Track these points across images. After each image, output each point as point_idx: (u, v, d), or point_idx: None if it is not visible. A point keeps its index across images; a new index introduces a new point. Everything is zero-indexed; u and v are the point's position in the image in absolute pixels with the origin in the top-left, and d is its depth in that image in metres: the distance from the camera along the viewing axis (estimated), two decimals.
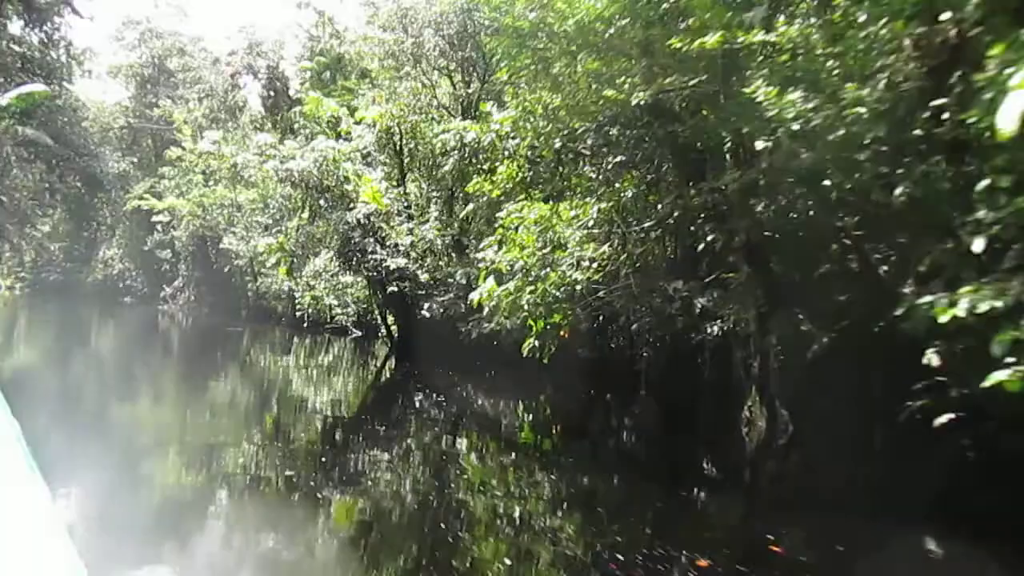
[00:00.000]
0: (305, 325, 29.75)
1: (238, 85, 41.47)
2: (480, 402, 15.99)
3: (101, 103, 45.91)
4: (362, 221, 17.17)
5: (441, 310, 18.55)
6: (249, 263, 36.58)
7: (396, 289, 18.79)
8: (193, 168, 38.43)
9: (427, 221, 18.69)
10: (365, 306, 27.87)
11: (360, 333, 27.18)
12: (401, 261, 17.14)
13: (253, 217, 36.30)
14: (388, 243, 17.67)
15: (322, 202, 17.29)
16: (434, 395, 16.21)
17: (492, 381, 17.30)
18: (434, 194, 20.08)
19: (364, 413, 14.50)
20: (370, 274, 18.53)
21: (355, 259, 18.08)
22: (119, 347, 28.17)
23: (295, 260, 17.74)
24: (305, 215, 17.79)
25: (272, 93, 34.02)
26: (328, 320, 28.15)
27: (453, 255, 18.73)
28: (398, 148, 20.15)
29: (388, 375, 20.18)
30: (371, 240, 17.44)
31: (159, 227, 41.00)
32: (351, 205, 17.33)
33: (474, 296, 12.42)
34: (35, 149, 30.79)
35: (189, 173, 39.79)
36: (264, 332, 32.50)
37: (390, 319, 21.65)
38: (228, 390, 17.27)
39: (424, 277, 17.95)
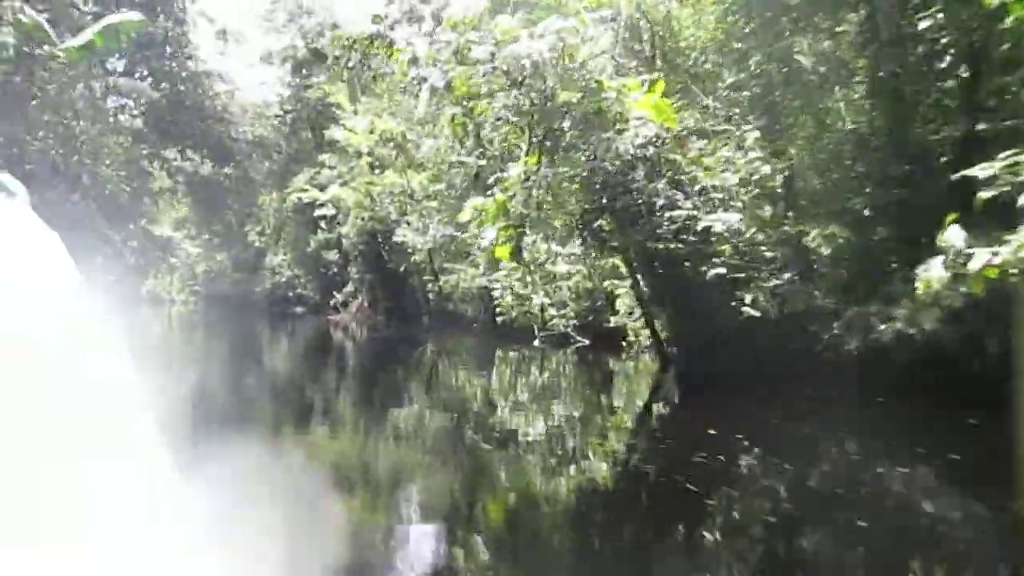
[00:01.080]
0: (506, 332, 22.68)
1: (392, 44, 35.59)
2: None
3: (256, 105, 41.66)
4: (638, 154, 9.52)
5: (777, 303, 10.50)
6: (428, 258, 30.22)
7: (683, 268, 11.01)
8: (358, 150, 32.74)
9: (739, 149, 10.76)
10: (589, 304, 20.35)
11: (586, 342, 19.63)
12: (731, 217, 9.33)
13: (429, 203, 29.93)
14: (685, 188, 9.96)
15: (565, 126, 9.71)
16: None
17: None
18: (734, 112, 12.12)
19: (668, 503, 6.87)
20: (642, 246, 10.88)
21: (621, 222, 10.50)
22: (290, 367, 22.74)
23: (524, 231, 10.32)
24: (531, 159, 10.29)
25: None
26: (541, 325, 20.83)
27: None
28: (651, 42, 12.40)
29: (670, 413, 12.41)
30: (659, 184, 9.78)
31: (323, 224, 35.75)
32: (615, 128, 9.74)
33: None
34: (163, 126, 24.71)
35: (353, 159, 34.21)
36: (452, 342, 25.95)
37: (658, 322, 13.83)
38: (420, 427, 11.57)
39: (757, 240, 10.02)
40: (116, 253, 32.03)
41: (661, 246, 10.21)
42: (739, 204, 9.83)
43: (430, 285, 31.30)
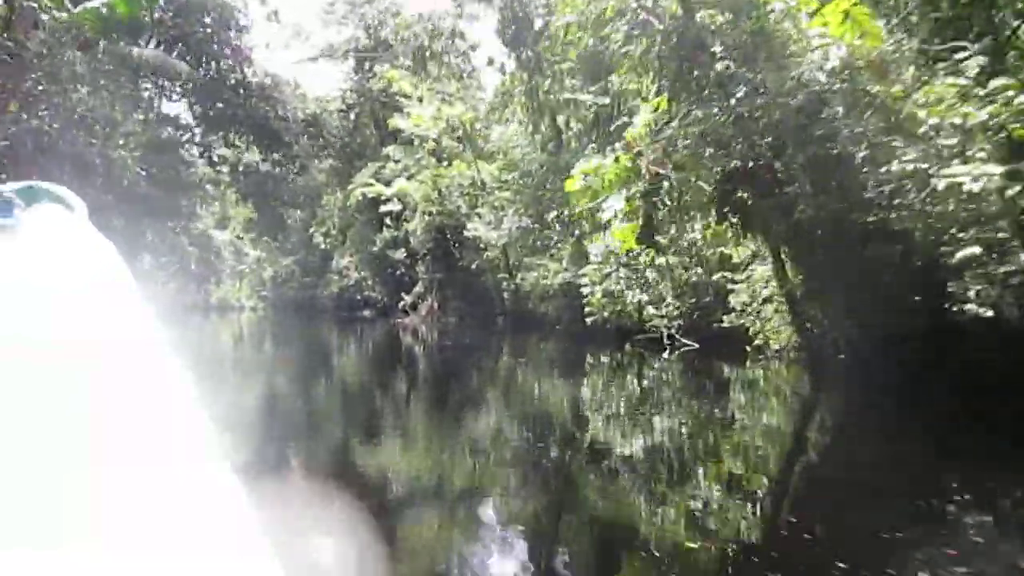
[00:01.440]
0: (595, 335, 19.92)
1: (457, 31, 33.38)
2: None
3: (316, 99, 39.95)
4: (828, 85, 6.59)
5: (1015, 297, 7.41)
6: (502, 255, 27.71)
7: (869, 248, 8.04)
8: (423, 139, 30.49)
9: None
10: (694, 301, 17.42)
11: (693, 345, 16.72)
12: (992, 169, 6.33)
13: (502, 193, 27.44)
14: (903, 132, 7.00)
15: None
16: None
17: None
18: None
19: None
20: (819, 220, 7.95)
21: (776, 187, 7.58)
22: (358, 375, 20.53)
23: (659, 201, 7.48)
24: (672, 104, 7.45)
25: (514, 18, 25.07)
26: (638, 326, 18.02)
27: None
28: None
29: (837, 441, 9.37)
30: (861, 126, 6.84)
31: (389, 221, 33.69)
32: (787, 55, 6.85)
33: None
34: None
35: (418, 151, 32.02)
36: (532, 346, 23.34)
37: (826, 318, 10.73)
38: (501, 445, 9.22)
39: None
40: (172, 258, 30.58)
41: (856, 216, 7.26)
42: (981, 154, 6.80)
43: (505, 283, 28.80)
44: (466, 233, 27.67)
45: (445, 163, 30.74)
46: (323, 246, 45.11)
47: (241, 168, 27.24)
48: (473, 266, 30.18)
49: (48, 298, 0.74)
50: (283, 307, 51.57)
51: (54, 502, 0.52)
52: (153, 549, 0.52)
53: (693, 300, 17.27)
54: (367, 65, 38.05)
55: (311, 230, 45.14)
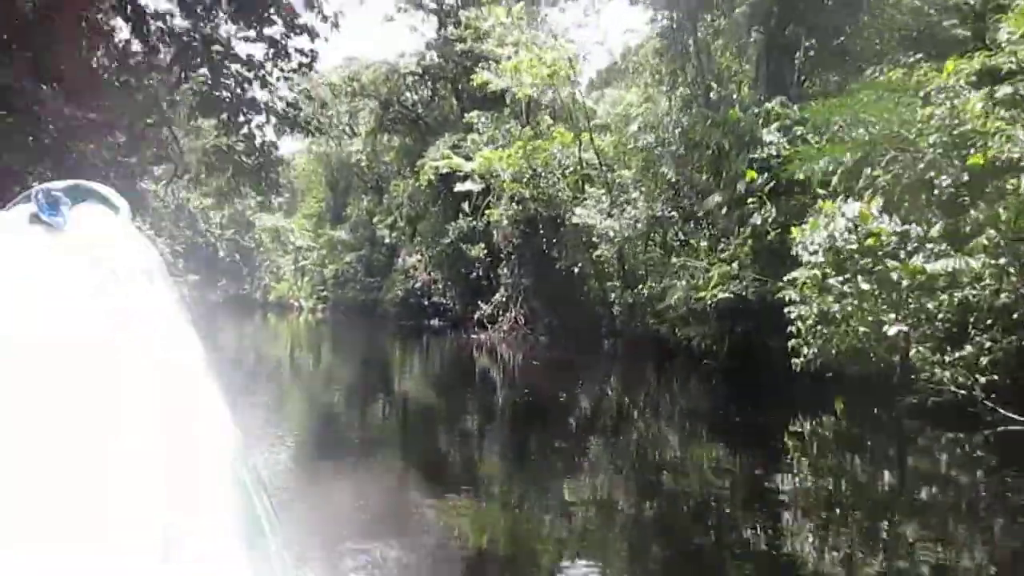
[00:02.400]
0: (790, 382, 12.12)
1: None
2: None
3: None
4: None
5: None
6: (616, 256, 20.24)
7: None
8: (516, 104, 23.37)
9: None
10: (1016, 340, 9.56)
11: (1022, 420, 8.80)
12: None
13: (624, 172, 20.03)
14: None
15: None
16: None
17: None
18: None
19: None
20: None
21: None
22: (423, 407, 13.97)
23: None
24: None
25: None
26: (899, 377, 10.26)
27: None
28: None
29: None
30: None
31: (466, 207, 26.64)
32: None
33: None
34: None
35: (508, 120, 24.93)
36: (662, 385, 15.86)
37: None
38: None
39: None
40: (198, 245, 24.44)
41: None
42: None
43: (614, 296, 21.27)
44: (570, 222, 20.32)
45: (545, 134, 23.52)
46: (388, 240, 38.44)
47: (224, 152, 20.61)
48: (574, 270, 22.79)
49: (89, 296, 0.75)
50: (344, 310, 45.30)
51: (69, 495, 0.53)
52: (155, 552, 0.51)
53: (1015, 339, 9.35)
54: (451, 20, 31.16)
55: (375, 220, 38.63)
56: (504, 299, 25.96)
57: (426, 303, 36.23)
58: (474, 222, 27.04)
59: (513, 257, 25.42)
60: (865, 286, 10.32)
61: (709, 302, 14.89)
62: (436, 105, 31.75)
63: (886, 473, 8.76)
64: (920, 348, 9.91)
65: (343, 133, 38.33)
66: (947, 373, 9.47)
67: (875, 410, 10.64)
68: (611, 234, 18.67)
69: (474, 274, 28.71)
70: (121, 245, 0.87)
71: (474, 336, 25.84)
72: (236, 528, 0.58)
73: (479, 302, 27.19)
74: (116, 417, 0.60)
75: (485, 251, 26.82)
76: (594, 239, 20.05)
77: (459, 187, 23.03)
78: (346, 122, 37.14)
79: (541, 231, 24.16)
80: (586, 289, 23.24)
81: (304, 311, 50.48)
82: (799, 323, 11.22)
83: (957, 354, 9.52)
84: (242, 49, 19.34)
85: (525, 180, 21.87)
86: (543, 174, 21.78)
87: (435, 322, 34.54)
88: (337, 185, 48.93)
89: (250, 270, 57.42)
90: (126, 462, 0.57)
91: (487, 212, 25.95)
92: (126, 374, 0.65)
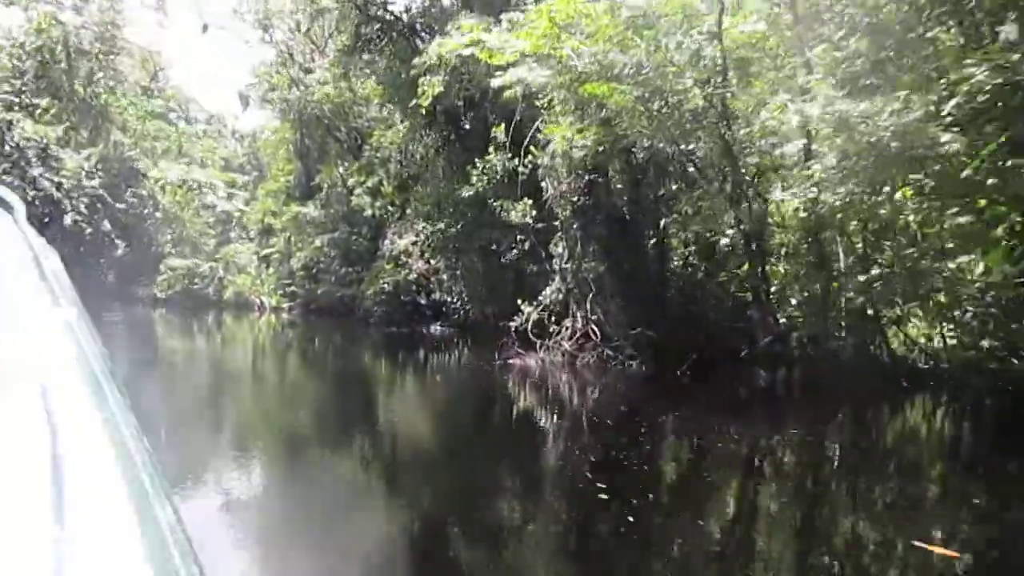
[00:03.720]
0: None
1: None
2: None
3: None
4: None
5: None
6: (840, 205, 10.10)
7: None
8: None
9: None
10: None
11: None
12: None
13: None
14: None
15: None
16: None
17: None
18: None
19: None
20: None
21: None
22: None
23: None
24: None
25: None
26: None
27: None
28: None
29: None
30: None
31: (492, 152, 16.65)
32: None
33: None
34: None
35: None
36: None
37: None
38: None
39: None
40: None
41: None
42: None
43: (797, 287, 11.16)
44: (714, 154, 10.22)
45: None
46: (371, 213, 28.16)
47: None
48: (690, 250, 12.72)
49: None
50: (315, 309, 35.04)
51: None
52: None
53: None
54: None
55: (352, 191, 28.38)
56: (558, 292, 15.67)
57: (423, 302, 26.00)
58: (508, 160, 16.76)
59: (575, 228, 15.21)
60: None
61: None
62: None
63: None
64: None
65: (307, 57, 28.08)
66: None
67: None
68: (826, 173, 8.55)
69: (504, 256, 18.42)
70: (12, 245, 0.80)
71: (507, 357, 15.54)
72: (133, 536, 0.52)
73: (519, 303, 16.75)
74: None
75: (525, 216, 16.45)
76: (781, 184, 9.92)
77: (498, 80, 12.55)
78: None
79: (634, 177, 14.07)
80: (717, 281, 13.14)
81: (267, 311, 40.02)
82: None
83: None
84: None
85: (618, 75, 11.61)
86: (657, 67, 11.51)
87: (436, 328, 24.34)
88: (308, 154, 38.41)
89: (141, 252, 45.58)
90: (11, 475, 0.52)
91: (530, 154, 15.78)
92: (8, 383, 0.60)
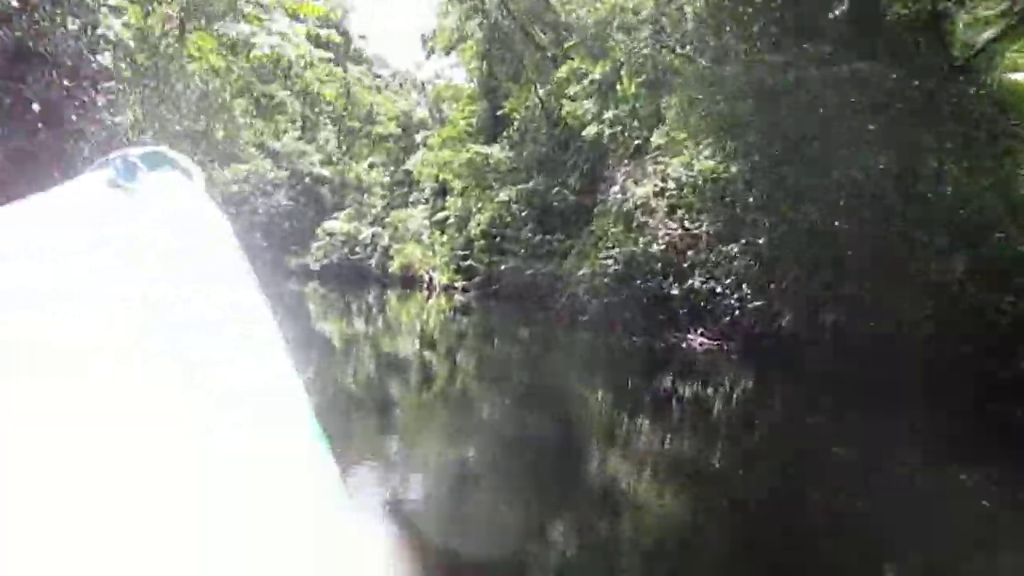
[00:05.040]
0: None
1: None
2: None
3: None
4: None
5: None
6: None
7: None
8: None
9: None
10: None
11: None
12: None
13: None
14: None
15: None
16: None
17: None
18: None
19: None
20: None
21: None
22: None
23: None
24: None
25: None
26: None
27: None
28: None
29: None
30: None
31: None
32: None
33: None
34: None
35: None
36: None
37: None
38: None
39: None
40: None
41: None
42: None
43: None
44: None
45: None
46: (585, 152, 18.02)
47: None
48: None
49: (156, 258, 0.74)
50: (497, 294, 25.68)
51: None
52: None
53: None
54: None
55: (560, 109, 18.39)
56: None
57: (673, 292, 15.46)
58: None
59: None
60: None
61: None
62: None
63: None
64: None
65: None
66: None
67: None
68: None
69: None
70: (192, 210, 0.84)
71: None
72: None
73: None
74: (170, 379, 0.58)
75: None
76: None
77: None
78: None
79: None
80: None
81: (436, 290, 31.21)
82: None
83: None
84: None
85: None
86: None
87: (698, 342, 13.83)
88: (495, 85, 28.89)
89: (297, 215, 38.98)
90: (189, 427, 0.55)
91: None
92: (196, 329, 0.64)
